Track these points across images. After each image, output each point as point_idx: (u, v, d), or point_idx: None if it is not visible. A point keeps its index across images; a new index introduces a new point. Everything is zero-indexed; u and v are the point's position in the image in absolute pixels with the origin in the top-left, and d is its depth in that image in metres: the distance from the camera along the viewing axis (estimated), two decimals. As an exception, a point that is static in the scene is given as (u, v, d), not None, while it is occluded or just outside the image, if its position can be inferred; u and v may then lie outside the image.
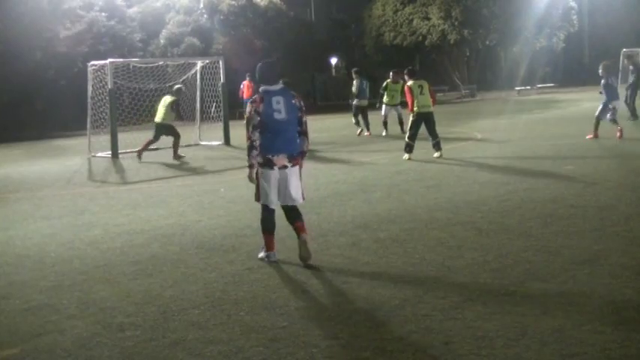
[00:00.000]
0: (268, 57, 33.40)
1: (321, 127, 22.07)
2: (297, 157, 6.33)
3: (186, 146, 18.21)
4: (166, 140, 18.18)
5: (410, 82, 13.02)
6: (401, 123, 18.25)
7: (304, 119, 6.40)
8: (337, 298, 5.23)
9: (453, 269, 5.77)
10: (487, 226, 7.21)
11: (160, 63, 20.15)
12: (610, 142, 13.96)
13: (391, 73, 18.48)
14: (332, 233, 7.29)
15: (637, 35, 39.41)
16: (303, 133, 6.44)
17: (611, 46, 36.68)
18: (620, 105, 15.45)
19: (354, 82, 19.14)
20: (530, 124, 19.60)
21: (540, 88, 39.32)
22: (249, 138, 6.18)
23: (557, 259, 5.88)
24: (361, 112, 18.86)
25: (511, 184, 9.59)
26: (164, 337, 4.59)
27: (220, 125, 18.92)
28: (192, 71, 19.33)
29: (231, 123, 19.25)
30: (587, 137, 14.50)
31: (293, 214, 6.38)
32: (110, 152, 16.73)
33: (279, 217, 6.47)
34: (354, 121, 18.94)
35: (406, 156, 12.98)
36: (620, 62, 24.32)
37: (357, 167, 12.52)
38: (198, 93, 19.44)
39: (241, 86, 23.51)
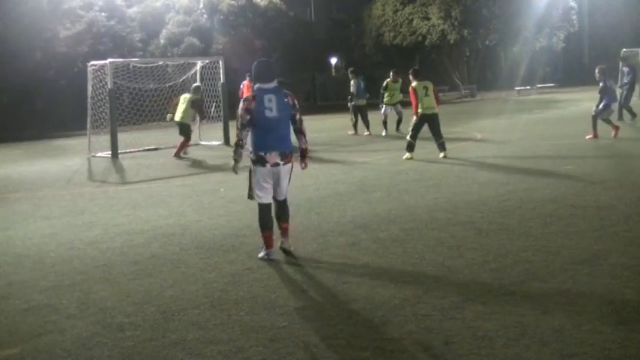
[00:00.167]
0: (268, 57, 33.48)
1: (321, 127, 22.08)
2: (289, 155, 6.40)
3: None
4: (166, 140, 18.20)
5: (414, 84, 12.94)
6: (398, 122, 18.25)
7: (298, 117, 6.47)
8: (337, 298, 5.23)
9: (453, 269, 5.77)
10: (487, 225, 7.21)
11: (160, 63, 20.14)
12: (609, 142, 13.98)
13: (391, 73, 18.52)
14: (332, 233, 7.29)
15: (637, 35, 39.41)
16: (299, 131, 6.53)
17: (611, 46, 36.73)
18: (615, 106, 15.60)
19: (352, 82, 19.18)
20: (530, 124, 19.60)
21: (540, 88, 39.32)
22: (237, 135, 6.37)
23: (557, 259, 5.88)
24: (360, 112, 18.89)
25: (511, 184, 9.59)
26: (164, 337, 4.59)
27: (220, 125, 18.91)
28: (192, 71, 19.32)
29: (231, 123, 19.20)
30: (587, 137, 14.51)
31: (282, 210, 6.54)
32: (110, 152, 16.73)
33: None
34: (353, 121, 18.98)
35: (407, 155, 12.97)
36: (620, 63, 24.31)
37: (357, 167, 12.52)
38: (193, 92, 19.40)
39: (241, 86, 23.50)
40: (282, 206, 6.57)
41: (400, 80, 18.50)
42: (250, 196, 6.54)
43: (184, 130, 15.80)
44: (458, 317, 4.63)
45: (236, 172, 6.64)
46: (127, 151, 17.19)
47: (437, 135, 12.98)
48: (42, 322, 5.00)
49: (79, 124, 21.66)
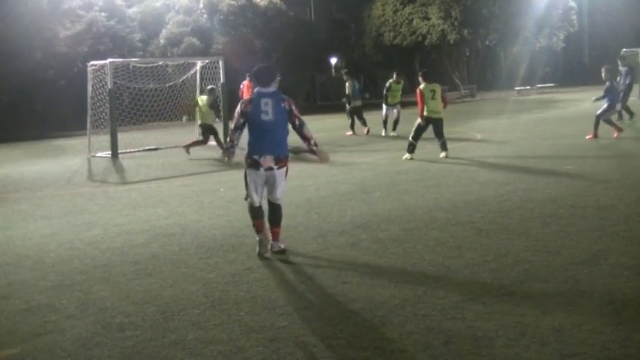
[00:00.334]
0: (268, 57, 33.47)
1: (321, 127, 22.06)
2: (284, 159, 6.46)
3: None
4: (166, 140, 18.20)
5: (422, 86, 12.87)
6: (395, 122, 18.24)
7: (298, 122, 6.50)
8: (337, 298, 5.23)
9: (453, 269, 5.77)
10: (487, 226, 7.21)
11: (160, 63, 20.14)
12: (609, 142, 13.98)
13: (394, 75, 18.56)
14: (332, 233, 7.29)
15: (637, 35, 39.43)
16: (304, 137, 6.57)
17: (611, 46, 36.75)
18: (619, 106, 15.61)
19: (347, 83, 19.23)
20: (530, 124, 19.60)
21: (540, 88, 39.30)
22: (229, 137, 6.62)
23: (557, 259, 5.88)
24: (356, 112, 18.96)
25: (511, 184, 9.59)
26: (164, 337, 4.59)
27: (220, 125, 18.91)
28: (192, 71, 19.31)
29: (232, 123, 19.20)
30: (587, 137, 14.51)
31: (275, 215, 6.61)
32: (110, 152, 16.73)
33: (284, 216, 6.51)
34: (349, 122, 19.03)
35: (407, 155, 12.96)
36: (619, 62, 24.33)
37: (356, 167, 12.52)
38: (198, 93, 19.42)
39: (241, 86, 23.51)
40: (274, 210, 6.60)
41: (402, 82, 18.59)
42: (247, 197, 6.64)
43: (208, 130, 15.82)
44: (458, 317, 4.63)
45: (230, 160, 6.91)
46: (127, 151, 17.19)
47: (439, 135, 12.97)
48: (42, 322, 5.00)
49: (79, 124, 21.66)
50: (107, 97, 16.96)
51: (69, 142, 22.08)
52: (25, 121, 26.79)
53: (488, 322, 4.51)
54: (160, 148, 17.55)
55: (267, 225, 6.65)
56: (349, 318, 4.77)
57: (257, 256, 6.47)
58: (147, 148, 17.73)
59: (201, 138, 16.21)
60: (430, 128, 12.98)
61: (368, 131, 18.69)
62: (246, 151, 6.50)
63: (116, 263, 6.57)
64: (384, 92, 18.49)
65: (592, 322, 4.42)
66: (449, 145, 13.14)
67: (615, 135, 14.39)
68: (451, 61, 41.53)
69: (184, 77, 19.33)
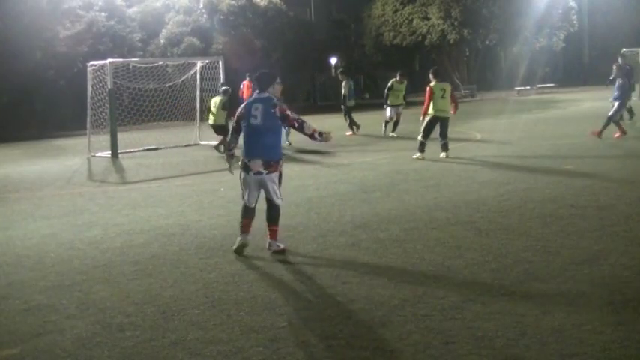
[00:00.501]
0: (268, 57, 33.46)
1: (321, 127, 21.94)
2: (274, 164, 6.51)
3: (185, 146, 18.24)
4: (166, 140, 18.20)
5: (433, 83, 12.77)
6: (396, 123, 18.22)
7: (297, 124, 6.58)
8: (337, 298, 5.23)
9: (453, 269, 5.77)
10: (487, 225, 7.21)
11: (160, 63, 20.15)
12: (609, 142, 13.98)
13: (398, 74, 18.54)
14: (332, 233, 7.29)
15: (637, 35, 39.43)
16: (305, 135, 6.71)
17: (610, 46, 36.74)
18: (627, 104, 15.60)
19: (343, 83, 19.23)
20: (530, 124, 19.60)
21: (540, 88, 39.32)
22: (228, 141, 6.95)
23: (557, 259, 5.88)
24: (348, 112, 19.01)
25: (511, 184, 9.59)
26: (164, 337, 4.59)
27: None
28: (192, 71, 19.32)
29: (231, 123, 19.21)
30: (590, 133, 14.52)
31: (271, 213, 6.66)
32: (110, 152, 16.73)
33: (284, 216, 6.48)
34: (348, 122, 19.05)
35: (418, 155, 12.82)
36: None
37: (357, 167, 12.52)
38: (198, 93, 19.44)
39: (241, 86, 23.53)
40: (271, 209, 6.65)
41: (405, 82, 18.58)
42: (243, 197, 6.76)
43: (221, 130, 15.85)
44: (458, 317, 4.63)
45: (231, 173, 7.10)
46: (127, 151, 17.19)
47: (442, 135, 12.91)
48: (42, 322, 5.00)
49: (79, 124, 21.66)
50: (107, 97, 16.96)
51: (69, 142, 22.08)
52: (25, 121, 26.79)
53: (488, 322, 4.51)
54: (160, 148, 17.56)
55: (253, 227, 6.72)
56: (349, 318, 4.77)
57: (234, 251, 6.60)
58: (147, 148, 17.74)
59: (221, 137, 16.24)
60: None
61: (352, 134, 18.72)
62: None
63: (116, 263, 6.57)
64: (386, 91, 18.46)
65: (592, 322, 4.42)
66: (449, 145, 13.12)
67: (616, 135, 14.39)
68: (451, 61, 41.52)
69: (184, 77, 19.34)
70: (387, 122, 18.36)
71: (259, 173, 6.48)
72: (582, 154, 12.43)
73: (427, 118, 12.85)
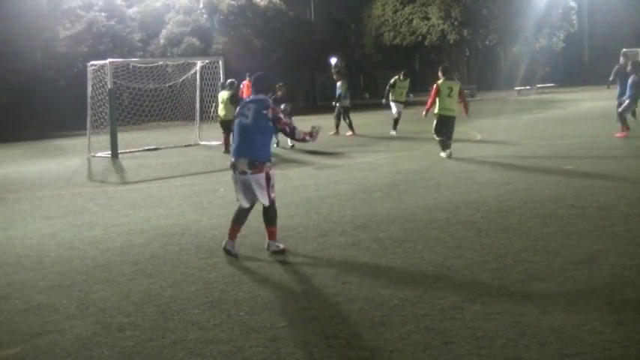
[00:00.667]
0: (268, 57, 33.45)
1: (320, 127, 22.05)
2: (259, 165, 6.46)
3: (185, 146, 18.25)
4: (166, 140, 18.19)
5: (440, 81, 12.61)
6: (396, 122, 18.22)
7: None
8: (337, 298, 5.23)
9: (453, 269, 5.77)
10: (487, 226, 7.21)
11: (160, 63, 20.17)
12: (610, 142, 13.98)
13: (402, 74, 18.58)
14: (332, 233, 7.29)
15: (637, 35, 39.45)
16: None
17: (610, 46, 36.76)
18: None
19: (339, 83, 19.26)
20: (530, 124, 19.60)
21: (540, 88, 39.32)
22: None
23: (556, 259, 5.88)
24: (344, 112, 18.99)
25: (511, 184, 9.59)
26: (164, 337, 4.59)
27: (220, 125, 18.92)
28: (192, 71, 19.33)
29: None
30: (616, 135, 14.50)
31: (267, 215, 6.65)
32: (110, 152, 16.73)
33: (284, 216, 6.47)
34: (348, 122, 19.03)
35: (443, 153, 12.71)
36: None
37: (357, 167, 12.52)
38: (197, 93, 19.45)
39: (241, 86, 23.54)
40: (265, 210, 6.63)
41: (408, 80, 18.67)
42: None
43: (227, 126, 15.82)
44: (458, 317, 4.63)
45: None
46: (127, 151, 17.20)
47: (448, 135, 12.86)
48: (42, 322, 5.00)
49: (79, 124, 21.67)
50: (107, 97, 16.97)
51: (69, 142, 22.09)
52: (25, 121, 26.82)
53: (488, 322, 4.51)
54: (160, 148, 17.56)
55: (240, 232, 6.71)
56: (349, 318, 4.77)
57: (222, 249, 6.62)
58: (147, 148, 17.74)
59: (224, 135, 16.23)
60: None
61: (335, 133, 18.75)
62: None
63: (116, 263, 6.56)
64: (387, 88, 18.48)
65: (592, 322, 4.41)
66: (451, 145, 13.09)
67: (618, 135, 14.38)
68: (451, 61, 41.46)
69: (184, 77, 19.35)
70: (396, 120, 18.25)
71: (244, 173, 6.43)
72: (582, 154, 12.43)
73: (434, 119, 12.80)
